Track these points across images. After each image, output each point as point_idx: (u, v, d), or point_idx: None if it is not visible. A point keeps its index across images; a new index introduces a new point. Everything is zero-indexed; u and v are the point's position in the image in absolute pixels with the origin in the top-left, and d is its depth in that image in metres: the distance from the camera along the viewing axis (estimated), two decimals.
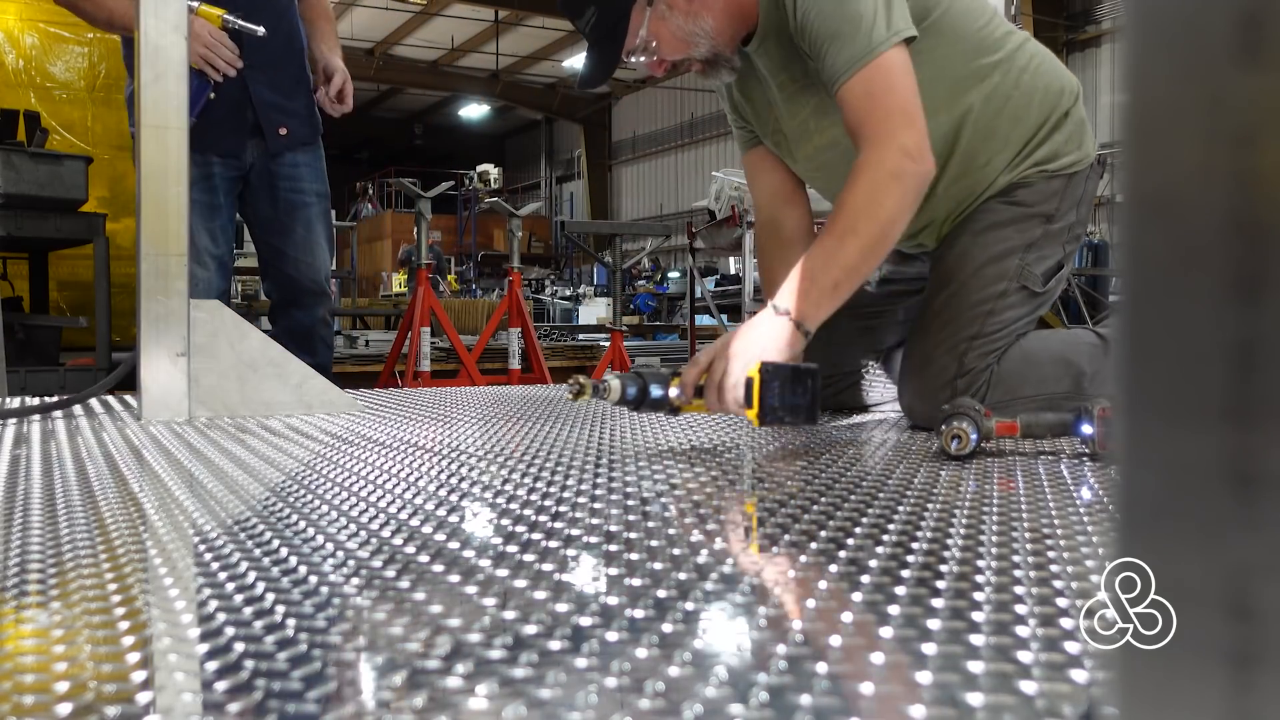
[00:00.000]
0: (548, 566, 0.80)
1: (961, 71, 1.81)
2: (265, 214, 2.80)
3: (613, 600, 0.71)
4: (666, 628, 0.64)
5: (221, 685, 0.54)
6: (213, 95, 2.54)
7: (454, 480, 1.22)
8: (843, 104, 1.62)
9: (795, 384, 1.41)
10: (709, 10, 1.72)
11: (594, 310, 12.51)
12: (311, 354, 2.68)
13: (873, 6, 1.59)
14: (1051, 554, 0.83)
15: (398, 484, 1.20)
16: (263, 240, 2.85)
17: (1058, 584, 0.74)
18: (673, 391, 1.48)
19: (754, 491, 1.14)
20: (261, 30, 2.33)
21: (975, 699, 0.52)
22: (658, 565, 0.80)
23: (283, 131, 2.74)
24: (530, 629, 0.64)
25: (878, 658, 0.58)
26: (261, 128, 2.71)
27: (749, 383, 1.39)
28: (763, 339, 1.49)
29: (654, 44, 1.73)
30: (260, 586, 0.76)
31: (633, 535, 0.92)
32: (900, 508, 1.06)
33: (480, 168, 18.17)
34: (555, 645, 0.61)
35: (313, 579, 0.76)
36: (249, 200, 2.80)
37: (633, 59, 1.78)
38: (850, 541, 0.91)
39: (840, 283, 1.52)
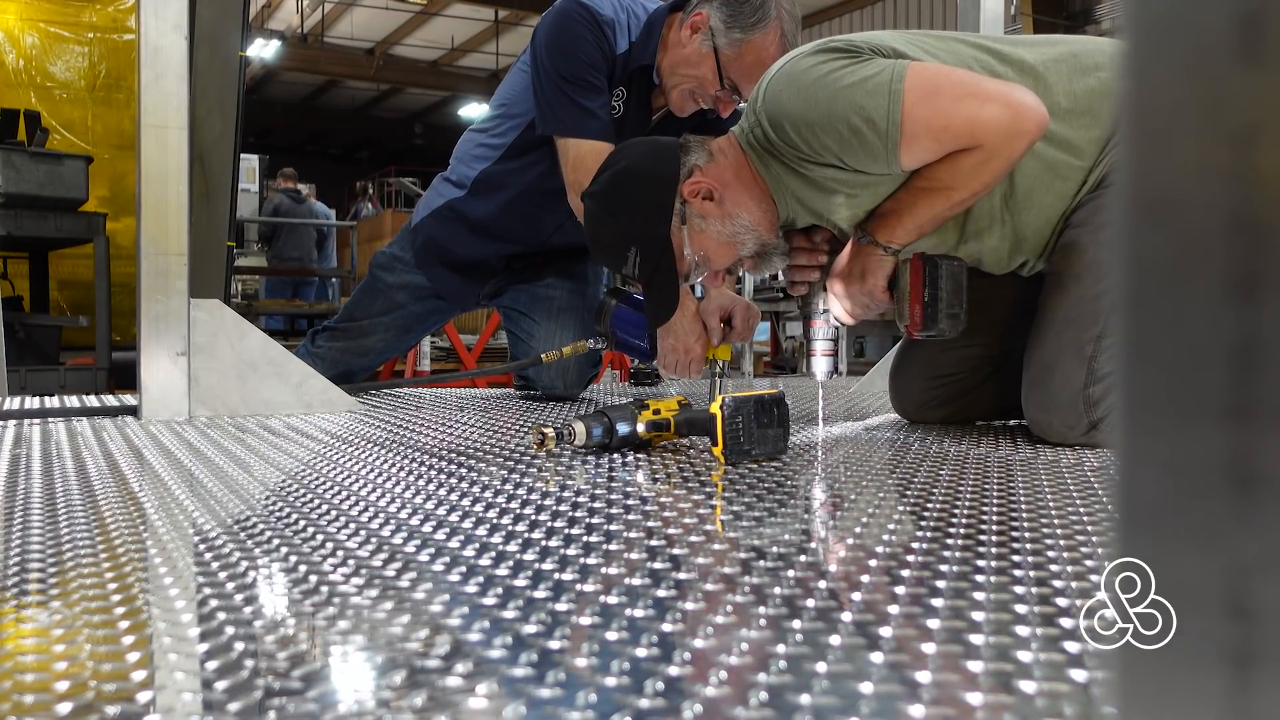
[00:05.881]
0: (548, 566, 0.80)
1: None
2: None
3: (613, 600, 0.71)
4: (666, 628, 0.64)
5: (221, 684, 0.54)
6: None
7: (454, 480, 1.22)
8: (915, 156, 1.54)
9: (761, 415, 1.36)
10: (740, 206, 1.66)
11: None
12: None
13: (857, 74, 1.51)
14: (1051, 554, 0.83)
15: (398, 484, 1.20)
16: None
17: (1058, 584, 0.74)
18: (640, 426, 1.47)
19: (753, 492, 1.14)
20: None
21: (975, 699, 0.52)
22: (658, 565, 0.80)
23: None
24: (530, 629, 0.64)
25: (877, 658, 0.58)
26: None
27: (711, 419, 1.34)
28: (856, 264, 1.65)
29: (704, 257, 1.71)
30: (260, 586, 0.76)
31: (633, 535, 0.92)
32: (900, 508, 1.06)
33: None
34: (555, 645, 0.61)
35: (313, 578, 0.76)
36: None
37: (689, 281, 1.78)
38: (850, 541, 0.91)
39: (924, 226, 1.61)
